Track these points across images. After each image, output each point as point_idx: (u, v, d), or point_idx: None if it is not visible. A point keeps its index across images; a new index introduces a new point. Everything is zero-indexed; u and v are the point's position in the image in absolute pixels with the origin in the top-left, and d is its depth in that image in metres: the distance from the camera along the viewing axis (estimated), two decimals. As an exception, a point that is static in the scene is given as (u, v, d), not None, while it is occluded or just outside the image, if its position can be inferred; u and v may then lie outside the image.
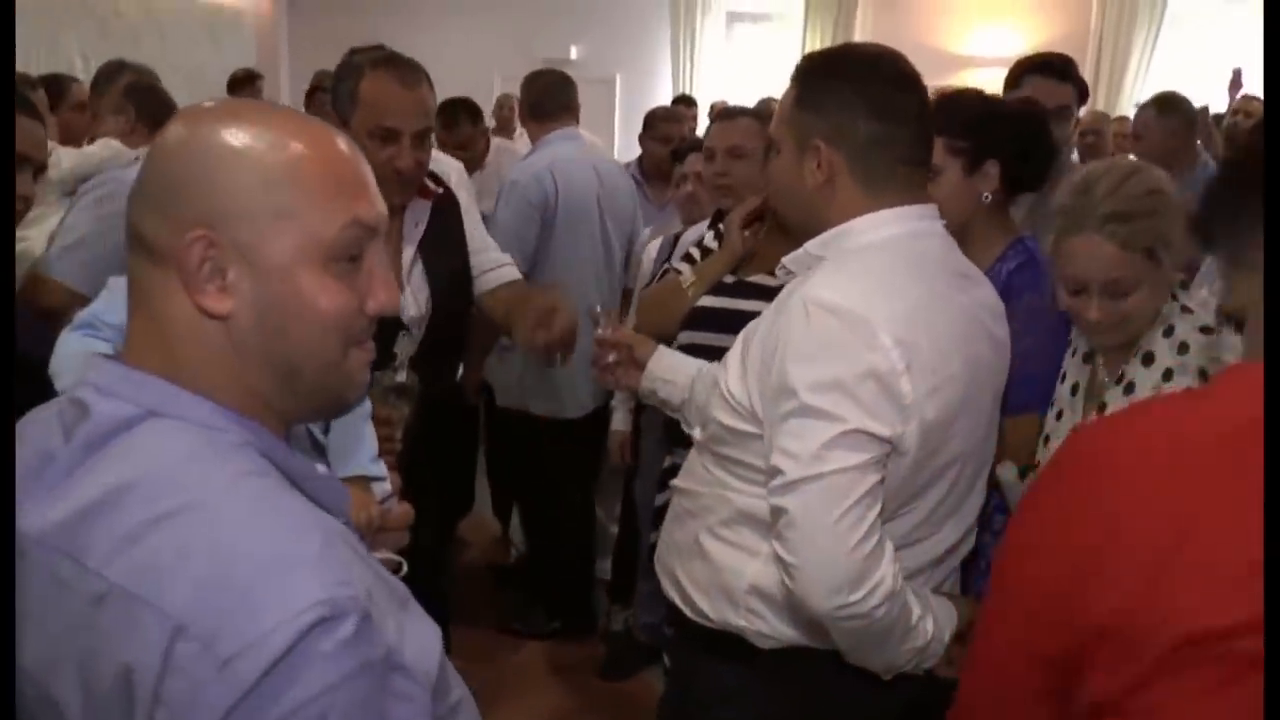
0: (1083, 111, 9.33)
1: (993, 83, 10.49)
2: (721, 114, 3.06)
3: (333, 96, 2.36)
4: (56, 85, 4.47)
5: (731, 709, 1.73)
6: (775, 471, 1.51)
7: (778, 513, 1.50)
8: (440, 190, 2.47)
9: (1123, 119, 7.71)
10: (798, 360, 1.50)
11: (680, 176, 3.66)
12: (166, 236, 0.99)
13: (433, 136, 2.37)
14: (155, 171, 1.02)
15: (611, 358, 2.03)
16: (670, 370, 1.97)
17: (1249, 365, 0.85)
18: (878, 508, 1.48)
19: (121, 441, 0.96)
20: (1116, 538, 0.80)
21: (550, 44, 11.03)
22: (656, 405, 2.05)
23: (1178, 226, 1.75)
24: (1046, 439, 1.98)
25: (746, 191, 2.70)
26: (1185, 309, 1.83)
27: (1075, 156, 6.06)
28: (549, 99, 4.07)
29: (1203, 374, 1.74)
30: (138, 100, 3.52)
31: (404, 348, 2.08)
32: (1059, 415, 1.99)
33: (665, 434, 2.67)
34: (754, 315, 2.28)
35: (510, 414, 3.90)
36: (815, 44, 10.51)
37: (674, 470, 2.50)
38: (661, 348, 2.07)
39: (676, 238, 3.31)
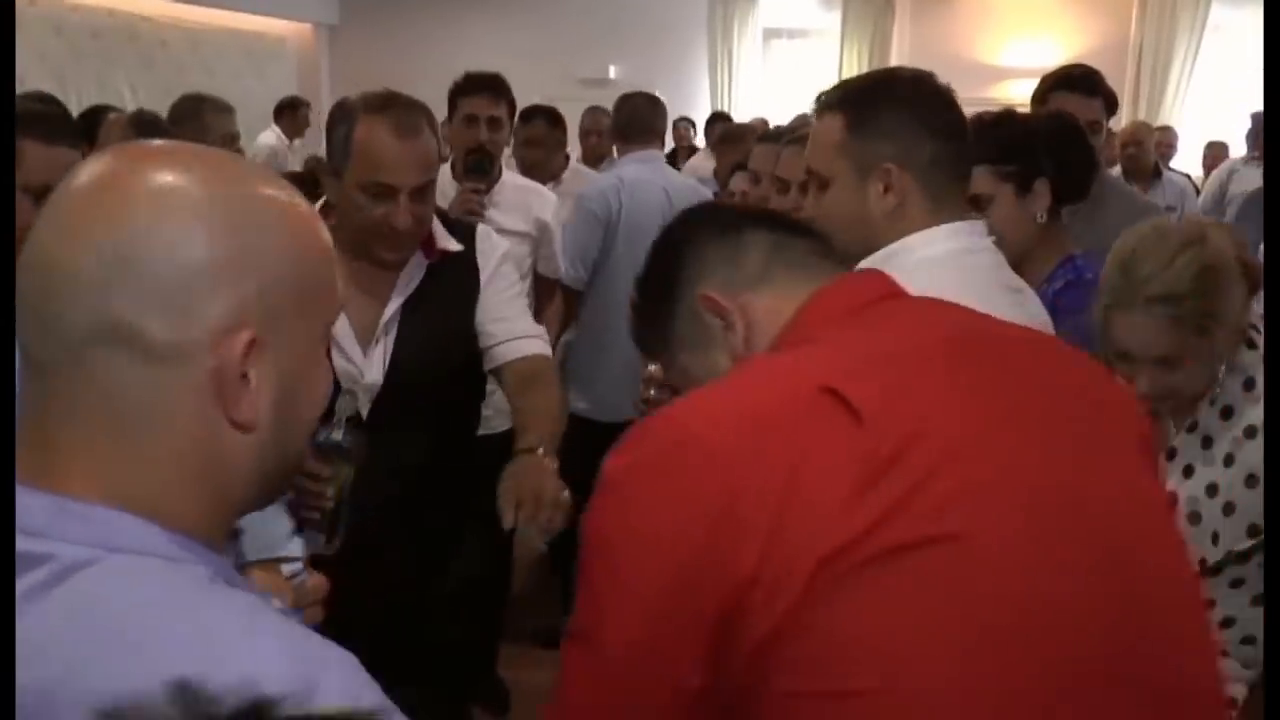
0: (1118, 123, 9.28)
1: (1030, 94, 10.41)
2: (766, 136, 3.07)
3: (326, 143, 2.17)
4: (92, 116, 4.51)
5: None
6: None
7: None
8: (455, 250, 2.24)
9: (1165, 129, 7.62)
10: None
11: (729, 195, 3.71)
12: (183, 333, 0.79)
13: (435, 187, 2.17)
14: (157, 249, 0.78)
15: (652, 393, 1.90)
16: None
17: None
18: None
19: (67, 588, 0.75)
20: (740, 496, 0.91)
21: (590, 64, 11.11)
22: None
23: (1231, 298, 1.70)
24: None
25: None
26: (1250, 345, 1.76)
27: (1117, 170, 6.00)
28: (635, 121, 4.18)
29: None
30: (141, 136, 3.50)
31: (343, 407, 1.85)
32: None
33: None
34: None
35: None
36: (852, 59, 10.52)
37: None
38: None
39: None
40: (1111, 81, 11.01)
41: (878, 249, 1.63)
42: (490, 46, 11.28)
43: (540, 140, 4.42)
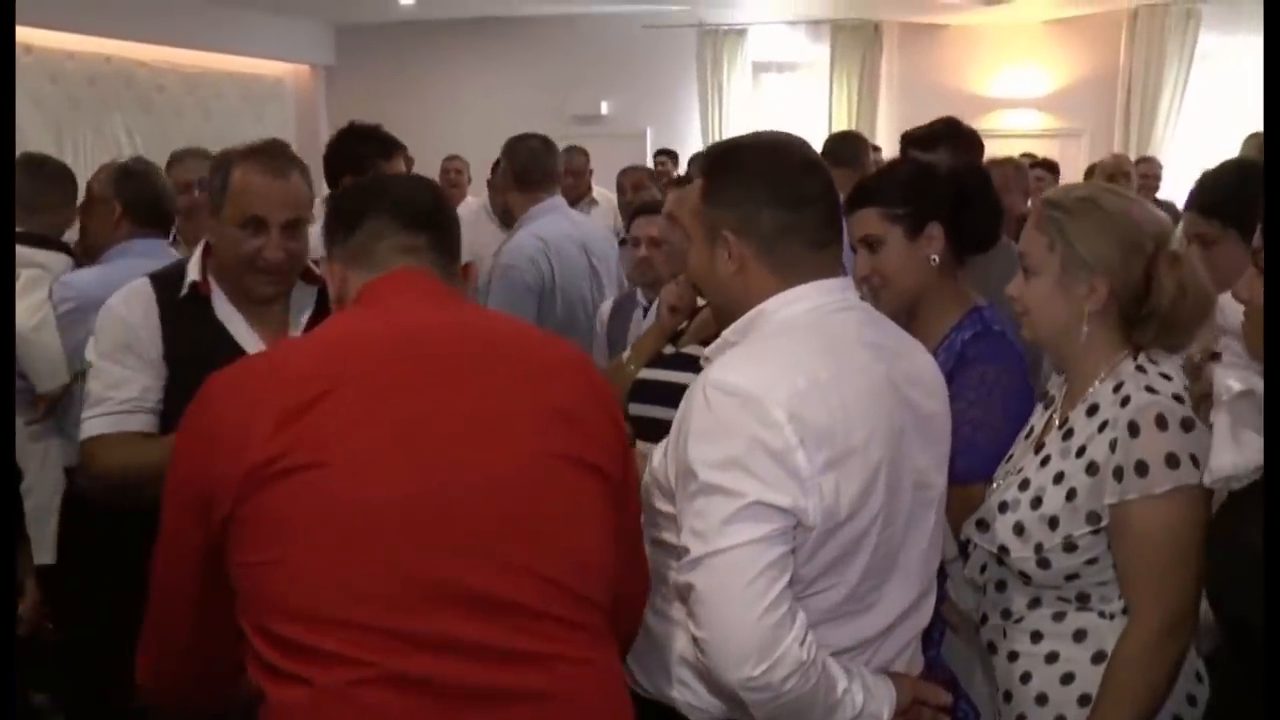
0: (1106, 152, 9.31)
1: (1022, 124, 10.48)
2: (671, 183, 3.05)
3: (208, 194, 2.33)
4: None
5: None
6: (684, 551, 1.54)
7: (687, 589, 1.53)
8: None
9: (1149, 160, 7.63)
10: (698, 441, 1.54)
11: (633, 240, 3.44)
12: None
13: (308, 227, 2.31)
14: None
15: None
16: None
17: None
18: (785, 579, 1.49)
19: None
20: (218, 425, 1.41)
21: (581, 101, 11.21)
22: None
23: (1096, 241, 1.81)
24: (993, 485, 1.99)
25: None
26: (1140, 369, 1.83)
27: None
28: (534, 167, 3.92)
29: (1132, 427, 1.74)
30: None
31: None
32: (1009, 458, 2.01)
33: None
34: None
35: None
36: (842, 91, 10.61)
37: None
38: (639, 444, 2.09)
39: (629, 300, 3.35)
40: (1103, 109, 11.12)
41: (736, 306, 1.69)
42: (484, 85, 11.39)
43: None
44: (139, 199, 3.10)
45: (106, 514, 2.47)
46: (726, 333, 1.71)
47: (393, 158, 3.24)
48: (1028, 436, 2.01)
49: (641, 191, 4.70)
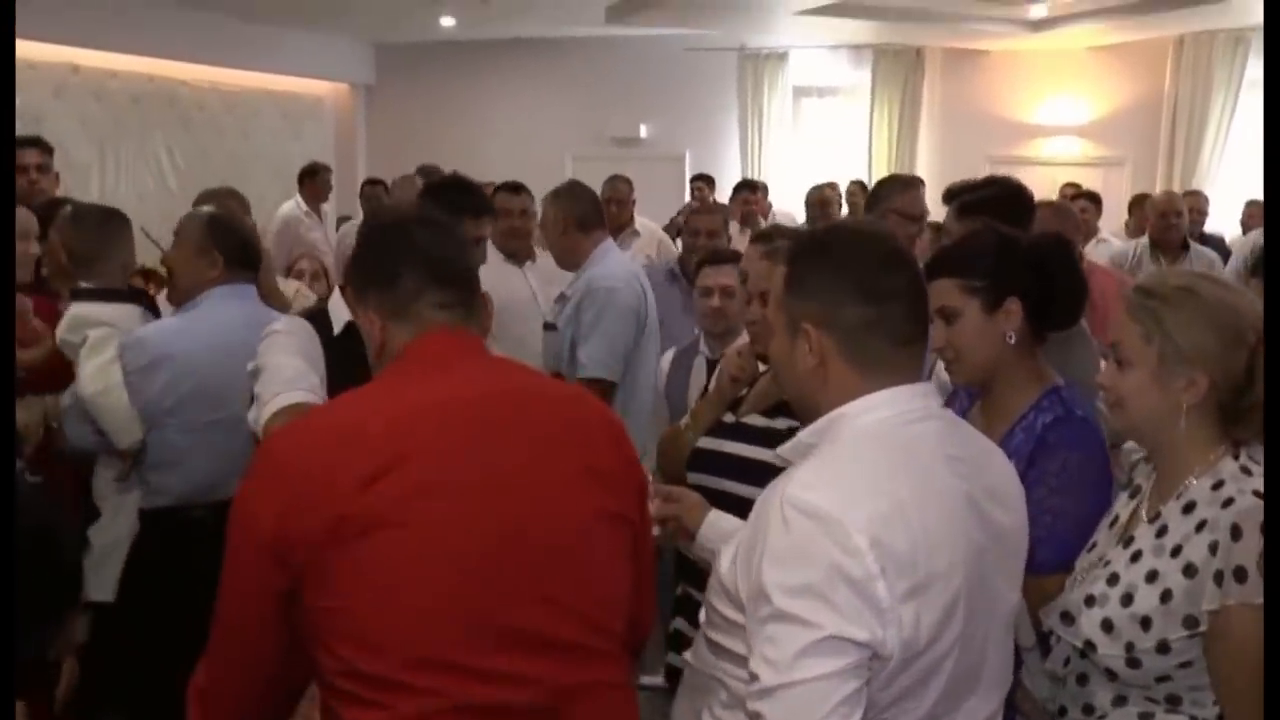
0: (1150, 184, 9.19)
1: (1064, 151, 10.39)
2: (758, 237, 2.99)
3: None
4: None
5: None
6: (753, 677, 1.47)
7: (755, 718, 1.47)
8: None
9: (1195, 194, 7.50)
10: (773, 563, 1.48)
11: (704, 289, 3.43)
12: None
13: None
14: None
15: (656, 531, 2.00)
16: (718, 539, 1.93)
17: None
18: (858, 714, 1.43)
19: None
20: (300, 483, 1.54)
21: (621, 123, 11.21)
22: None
23: (1193, 331, 1.73)
24: (1074, 574, 1.92)
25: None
26: (1245, 470, 1.75)
27: (1145, 242, 5.95)
28: (595, 211, 4.03)
29: (1235, 531, 1.66)
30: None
31: None
32: (1092, 547, 1.93)
33: (676, 565, 2.62)
34: (750, 461, 2.32)
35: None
36: (883, 117, 10.55)
37: (687, 600, 2.46)
38: (712, 514, 2.05)
39: (690, 351, 3.30)
40: (1146, 138, 11.02)
41: (814, 403, 1.65)
42: (522, 105, 11.43)
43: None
44: (234, 245, 3.14)
45: (169, 560, 2.91)
46: (804, 434, 1.66)
47: (482, 220, 3.26)
48: (1112, 525, 1.93)
49: (716, 239, 4.59)
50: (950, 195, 3.01)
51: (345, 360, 2.35)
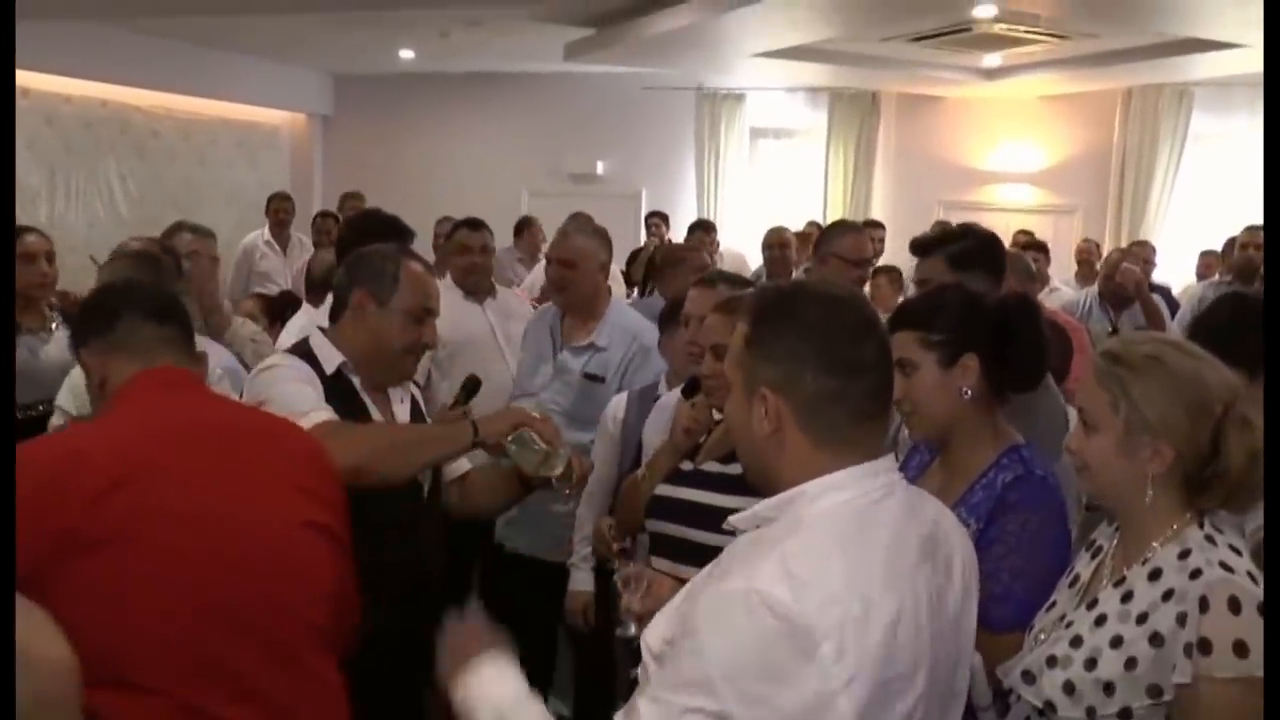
0: (1099, 230, 9.36)
1: (1016, 198, 10.56)
2: (701, 281, 2.93)
3: (369, 288, 2.55)
4: None
5: None
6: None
7: None
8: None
9: (1143, 244, 7.63)
10: (723, 648, 1.42)
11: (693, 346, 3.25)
12: None
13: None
14: None
15: (633, 630, 2.01)
16: None
17: None
18: None
19: None
20: (40, 493, 1.67)
21: (578, 160, 11.25)
22: None
23: (1158, 401, 1.72)
24: (1033, 629, 1.91)
25: None
26: (1210, 540, 1.75)
27: (1095, 292, 6.03)
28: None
29: (1203, 603, 1.66)
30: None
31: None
32: (1051, 606, 1.93)
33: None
34: (707, 507, 2.31)
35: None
36: (839, 159, 10.66)
37: None
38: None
39: (649, 394, 3.22)
40: (1097, 186, 11.21)
41: (766, 470, 1.58)
42: (480, 139, 11.44)
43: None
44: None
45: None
46: (760, 508, 1.58)
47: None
48: (1072, 584, 1.93)
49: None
50: (929, 245, 2.94)
51: (337, 400, 2.43)
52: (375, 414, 2.53)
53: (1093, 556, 1.93)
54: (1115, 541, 1.89)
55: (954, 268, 2.78)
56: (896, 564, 1.51)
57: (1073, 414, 2.12)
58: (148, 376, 1.93)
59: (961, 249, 2.84)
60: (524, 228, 8.59)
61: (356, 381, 2.52)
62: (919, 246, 3.00)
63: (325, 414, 2.35)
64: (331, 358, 2.50)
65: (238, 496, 1.86)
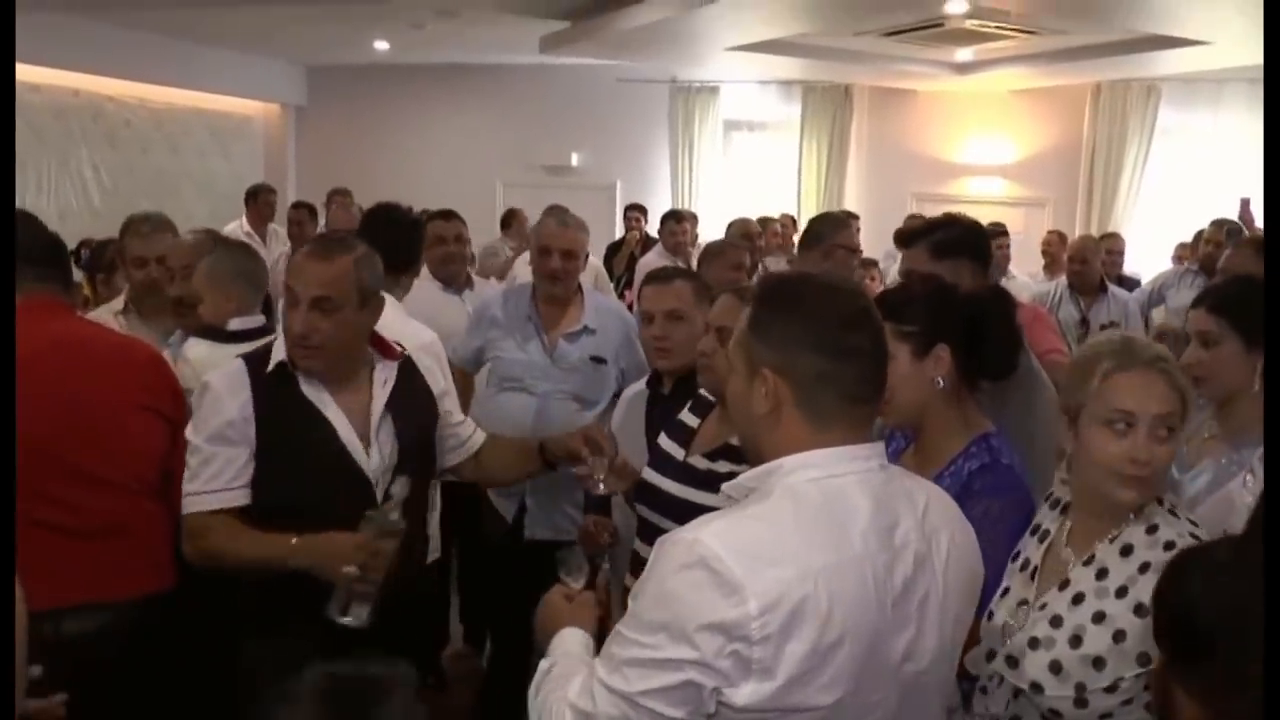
0: (1069, 223, 9.44)
1: (987, 190, 10.59)
2: (654, 275, 2.99)
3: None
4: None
5: None
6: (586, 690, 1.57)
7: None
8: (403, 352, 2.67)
9: (1113, 236, 7.71)
10: (658, 594, 1.52)
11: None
12: None
13: (342, 304, 2.43)
14: None
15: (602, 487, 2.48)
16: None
17: None
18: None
19: None
20: None
21: (552, 151, 11.27)
22: None
23: (1191, 404, 1.87)
24: (990, 616, 1.97)
25: (686, 353, 2.75)
26: (1173, 513, 1.86)
27: (1064, 282, 6.11)
28: None
29: None
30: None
31: (399, 491, 2.30)
32: (1005, 592, 1.98)
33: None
34: (686, 503, 2.38)
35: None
36: (812, 151, 10.74)
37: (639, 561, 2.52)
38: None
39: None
40: (1067, 179, 11.27)
41: (762, 447, 1.65)
42: (454, 131, 11.42)
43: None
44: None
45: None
46: (744, 478, 1.66)
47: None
48: (1023, 569, 1.98)
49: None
50: (913, 236, 2.98)
51: (271, 398, 2.44)
52: (327, 408, 2.46)
53: (1040, 541, 1.99)
54: (1066, 525, 1.95)
55: (936, 256, 2.82)
56: (848, 543, 1.55)
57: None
58: (26, 304, 2.49)
59: (943, 237, 2.87)
60: (510, 219, 8.65)
61: (300, 376, 2.45)
62: (902, 238, 3.05)
63: (201, 503, 2.44)
64: (279, 353, 2.46)
65: (93, 386, 2.58)
